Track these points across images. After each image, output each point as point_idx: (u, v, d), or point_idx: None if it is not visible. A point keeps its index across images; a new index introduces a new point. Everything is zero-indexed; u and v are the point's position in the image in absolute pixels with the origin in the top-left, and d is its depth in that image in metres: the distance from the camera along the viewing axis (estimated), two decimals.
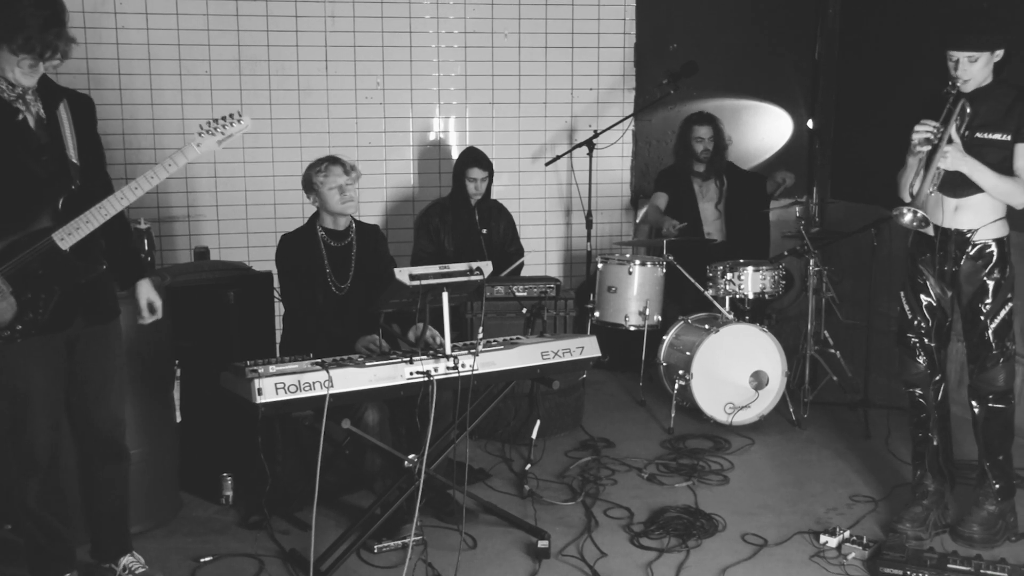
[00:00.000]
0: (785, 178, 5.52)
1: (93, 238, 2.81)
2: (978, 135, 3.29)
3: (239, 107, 5.30)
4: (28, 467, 2.87)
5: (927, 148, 3.23)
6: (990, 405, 3.42)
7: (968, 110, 3.27)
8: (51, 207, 2.75)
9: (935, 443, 3.54)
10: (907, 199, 3.31)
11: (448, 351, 3.23)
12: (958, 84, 3.25)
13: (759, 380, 4.65)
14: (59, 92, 2.86)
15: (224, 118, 2.89)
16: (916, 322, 3.50)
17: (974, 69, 3.24)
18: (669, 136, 5.90)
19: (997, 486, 3.45)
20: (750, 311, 4.92)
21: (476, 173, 5.07)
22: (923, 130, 3.23)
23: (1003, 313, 3.36)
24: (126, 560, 3.15)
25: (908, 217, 3.22)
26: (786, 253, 4.99)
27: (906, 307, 3.53)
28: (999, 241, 3.35)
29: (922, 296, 3.49)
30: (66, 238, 2.74)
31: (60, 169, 2.79)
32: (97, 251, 2.89)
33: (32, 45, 2.61)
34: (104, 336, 2.97)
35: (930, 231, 3.42)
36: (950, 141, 3.23)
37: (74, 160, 2.81)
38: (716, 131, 5.49)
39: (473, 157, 5.10)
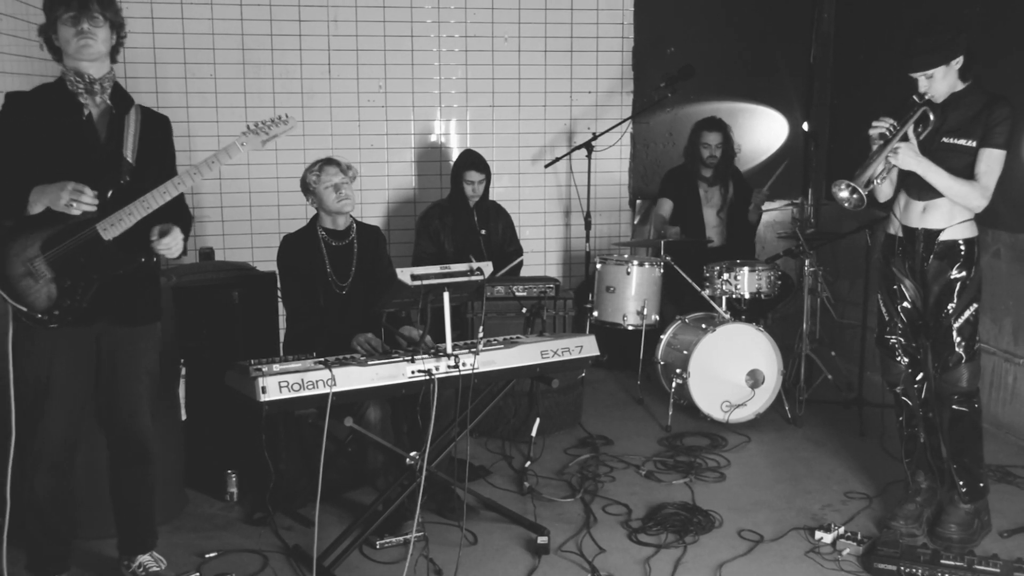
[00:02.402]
0: (760, 198, 5.52)
1: (137, 232, 2.84)
2: (944, 140, 3.31)
3: (243, 108, 5.36)
4: (38, 458, 2.88)
5: (880, 143, 3.29)
6: (954, 407, 3.41)
7: (931, 117, 3.31)
8: (99, 199, 2.79)
9: (922, 440, 3.56)
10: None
11: (449, 350, 3.26)
12: (926, 98, 3.29)
13: (755, 379, 4.69)
14: (131, 101, 2.94)
15: (273, 120, 2.96)
16: (893, 323, 3.52)
17: (935, 84, 3.27)
18: (667, 138, 5.94)
19: (963, 489, 3.44)
20: (746, 311, 4.96)
21: (473, 176, 5.11)
22: (880, 125, 3.29)
23: (967, 313, 3.36)
24: (143, 558, 3.17)
25: (844, 193, 3.24)
26: (782, 254, 5.03)
27: (883, 309, 3.55)
28: (968, 241, 3.35)
29: (897, 298, 3.51)
30: (109, 229, 2.79)
31: (113, 164, 2.84)
32: (140, 245, 2.89)
33: (68, 2, 2.70)
34: (135, 340, 2.98)
35: (899, 232, 3.46)
36: (905, 139, 3.28)
37: (129, 159, 2.86)
38: (725, 138, 5.49)
39: (470, 160, 5.14)
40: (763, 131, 6.22)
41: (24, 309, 2.76)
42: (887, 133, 3.28)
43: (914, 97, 3.31)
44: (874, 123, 3.31)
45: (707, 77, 5.89)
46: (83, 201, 2.72)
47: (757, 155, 6.23)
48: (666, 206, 5.59)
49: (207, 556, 3.36)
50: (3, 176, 2.76)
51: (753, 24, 6.10)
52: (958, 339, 3.37)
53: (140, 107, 2.97)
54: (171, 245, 2.87)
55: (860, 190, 3.20)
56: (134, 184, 2.84)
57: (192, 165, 2.84)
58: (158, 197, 2.81)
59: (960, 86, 3.32)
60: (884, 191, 3.49)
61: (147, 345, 3.03)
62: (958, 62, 3.27)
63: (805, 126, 6.18)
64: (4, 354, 2.76)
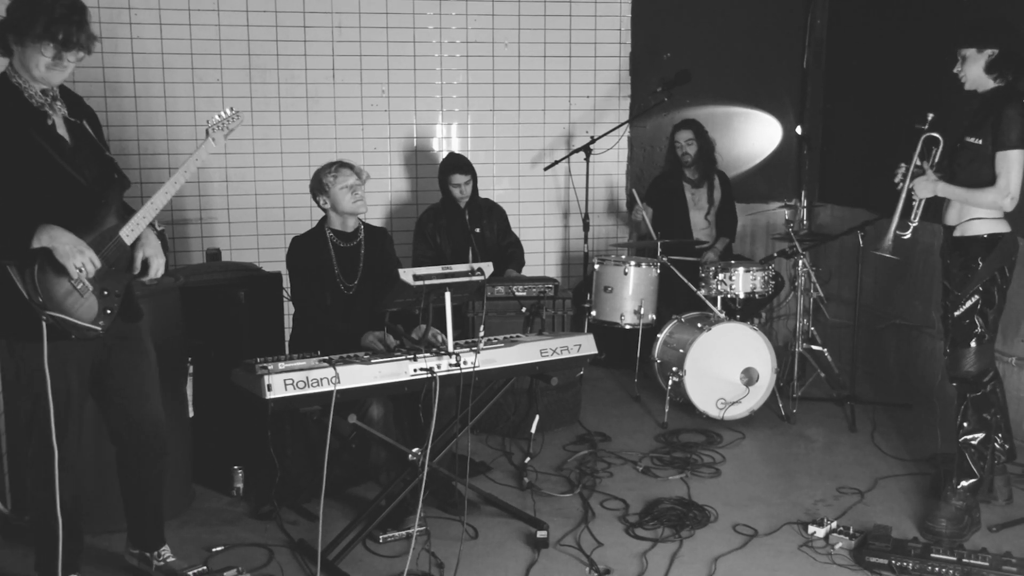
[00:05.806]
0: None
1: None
2: (966, 138, 3.43)
3: (249, 112, 5.44)
4: (63, 465, 2.83)
5: (899, 189, 3.56)
6: (954, 386, 3.54)
7: (932, 146, 3.52)
8: (116, 205, 2.83)
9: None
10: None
11: (451, 349, 3.31)
12: (932, 123, 3.49)
13: (749, 376, 4.73)
14: (77, 97, 2.93)
15: (230, 116, 3.03)
16: (942, 310, 3.69)
17: (964, 66, 3.40)
18: (663, 142, 6.00)
19: (965, 483, 3.47)
20: (741, 310, 5.03)
21: (458, 179, 5.16)
22: (897, 173, 3.56)
23: (968, 303, 3.45)
24: (161, 550, 3.19)
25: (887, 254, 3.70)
26: (775, 255, 5.09)
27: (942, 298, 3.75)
28: (991, 236, 3.43)
29: (943, 289, 3.66)
30: (130, 234, 2.82)
31: (105, 169, 2.85)
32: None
33: (53, 32, 2.61)
34: (136, 337, 3.00)
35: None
36: (920, 172, 3.50)
37: (108, 155, 2.88)
38: (697, 134, 5.55)
39: (454, 164, 5.18)
40: (757, 134, 6.28)
41: (80, 323, 2.73)
42: (899, 179, 3.55)
43: (917, 126, 3.51)
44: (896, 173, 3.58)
45: (702, 82, 5.94)
46: (87, 272, 2.71)
47: (752, 158, 6.29)
48: (646, 212, 5.65)
49: (214, 550, 3.39)
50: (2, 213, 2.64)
51: (748, 30, 6.15)
52: (960, 322, 3.48)
53: (78, 98, 2.93)
54: (159, 269, 2.90)
55: (886, 254, 3.67)
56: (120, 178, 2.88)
57: (183, 163, 2.90)
58: (161, 197, 2.84)
59: (990, 84, 3.39)
60: None
61: (148, 340, 3.06)
62: (990, 54, 3.35)
63: (798, 130, 6.23)
64: (41, 371, 2.72)
